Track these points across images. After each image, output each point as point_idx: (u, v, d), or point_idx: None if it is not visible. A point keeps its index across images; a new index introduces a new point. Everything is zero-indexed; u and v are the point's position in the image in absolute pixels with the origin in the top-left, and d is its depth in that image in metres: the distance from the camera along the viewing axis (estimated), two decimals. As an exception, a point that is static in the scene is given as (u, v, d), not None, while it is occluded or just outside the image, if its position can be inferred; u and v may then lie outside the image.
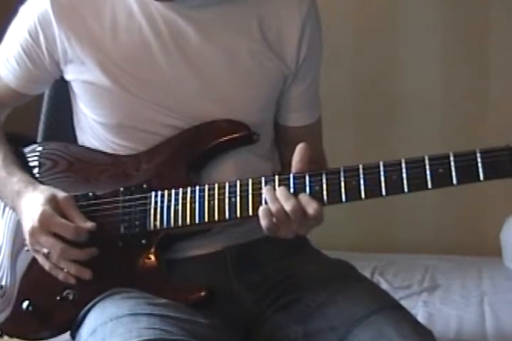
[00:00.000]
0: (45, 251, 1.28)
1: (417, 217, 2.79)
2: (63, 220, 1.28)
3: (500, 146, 1.14)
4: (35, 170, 1.42)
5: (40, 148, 1.46)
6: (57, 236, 1.27)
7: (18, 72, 1.41)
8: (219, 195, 1.26)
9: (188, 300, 1.27)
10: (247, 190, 1.24)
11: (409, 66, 2.76)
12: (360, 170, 1.19)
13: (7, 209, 1.43)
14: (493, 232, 2.51)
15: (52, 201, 1.30)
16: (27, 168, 1.41)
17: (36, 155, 1.44)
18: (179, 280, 1.31)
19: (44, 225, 1.27)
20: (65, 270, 1.29)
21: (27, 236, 1.30)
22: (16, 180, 1.36)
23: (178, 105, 1.34)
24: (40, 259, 1.31)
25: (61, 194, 1.32)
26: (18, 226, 1.39)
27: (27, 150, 1.46)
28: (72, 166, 1.40)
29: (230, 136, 1.33)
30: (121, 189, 1.34)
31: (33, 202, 1.31)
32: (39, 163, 1.43)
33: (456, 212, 2.77)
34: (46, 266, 1.30)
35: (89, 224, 1.29)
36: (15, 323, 1.37)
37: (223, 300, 1.31)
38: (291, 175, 1.22)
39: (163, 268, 1.31)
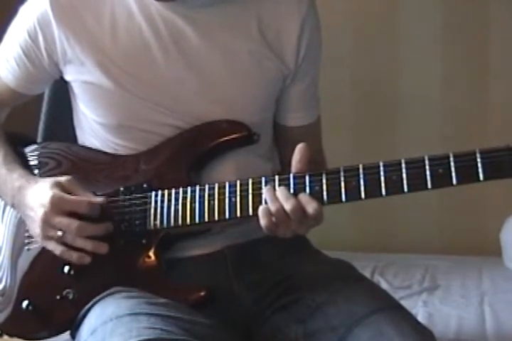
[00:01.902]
0: (60, 233, 1.28)
1: (417, 217, 2.79)
2: (75, 197, 1.29)
3: (500, 146, 1.14)
4: (37, 170, 1.42)
5: (42, 148, 1.46)
6: (71, 215, 1.28)
7: (18, 72, 1.41)
8: (219, 194, 1.26)
9: (188, 300, 1.27)
10: (247, 190, 1.24)
11: (409, 66, 2.77)
12: (360, 170, 1.19)
13: (7, 210, 1.43)
14: (493, 232, 2.52)
15: (58, 185, 1.30)
16: (28, 167, 1.42)
17: (38, 155, 1.45)
18: (179, 280, 1.31)
19: (57, 206, 1.27)
20: (82, 247, 1.28)
21: (39, 224, 1.29)
22: (17, 176, 1.36)
23: (177, 105, 1.34)
24: (52, 246, 1.30)
25: (63, 177, 1.32)
26: (18, 227, 1.39)
27: (28, 150, 1.46)
28: (74, 166, 1.41)
29: (230, 137, 1.33)
30: (122, 189, 1.34)
31: (39, 191, 1.31)
32: (41, 162, 1.43)
33: (456, 212, 2.77)
34: (58, 250, 1.30)
35: (100, 199, 1.30)
36: (15, 323, 1.37)
37: (223, 300, 1.32)
38: (291, 175, 1.22)
39: (163, 268, 1.31)
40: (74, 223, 1.27)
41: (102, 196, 1.33)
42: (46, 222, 1.29)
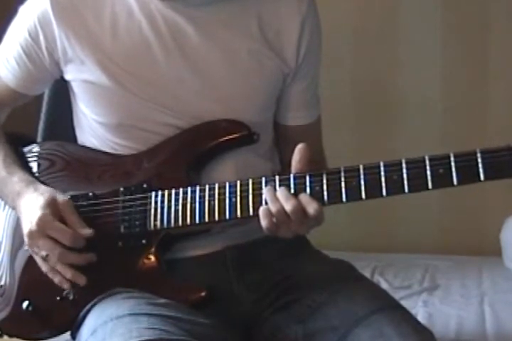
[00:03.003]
0: (44, 253, 1.28)
1: (417, 217, 2.78)
2: (61, 226, 1.28)
3: (500, 146, 1.14)
4: (34, 170, 1.42)
5: (37, 148, 1.46)
6: (55, 239, 1.27)
7: (18, 72, 1.40)
8: (219, 195, 1.26)
9: (188, 300, 1.27)
10: (248, 190, 1.24)
11: (409, 66, 2.76)
12: (361, 170, 1.19)
13: (7, 206, 1.43)
14: (493, 232, 2.51)
15: (52, 205, 1.29)
16: (27, 168, 1.41)
17: (34, 155, 1.44)
18: (179, 280, 1.31)
19: (42, 229, 1.27)
20: (62, 273, 1.29)
21: (26, 238, 1.30)
22: (17, 179, 1.36)
23: (178, 104, 1.34)
24: (39, 261, 1.31)
25: (61, 197, 1.32)
26: (18, 223, 1.39)
27: (26, 150, 1.46)
28: (70, 166, 1.40)
29: (230, 136, 1.33)
30: (121, 189, 1.34)
31: (32, 204, 1.30)
32: (39, 162, 1.43)
33: (456, 212, 2.77)
34: (44, 268, 1.30)
35: (87, 231, 1.29)
36: (14, 323, 1.37)
37: (223, 300, 1.31)
38: (292, 175, 1.22)
39: (163, 268, 1.31)
40: (56, 249, 1.27)
41: (101, 197, 1.34)
42: (31, 239, 1.29)
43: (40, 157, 1.44)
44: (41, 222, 1.27)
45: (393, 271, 2.40)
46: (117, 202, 1.33)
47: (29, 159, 1.44)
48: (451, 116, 2.75)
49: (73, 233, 1.28)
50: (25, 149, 1.46)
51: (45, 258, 1.29)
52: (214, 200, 1.26)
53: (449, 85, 2.75)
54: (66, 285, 1.30)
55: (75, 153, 1.41)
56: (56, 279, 1.30)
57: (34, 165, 1.43)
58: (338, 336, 1.24)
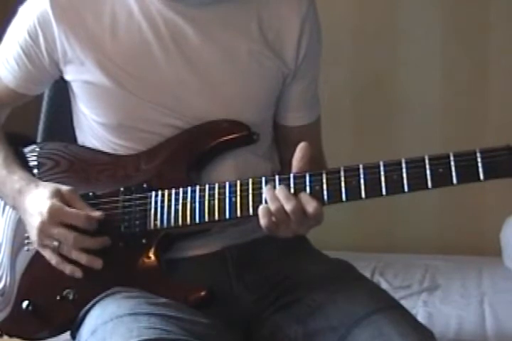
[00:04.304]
0: (56, 244, 1.28)
1: (416, 217, 2.79)
2: (73, 210, 1.29)
3: (500, 146, 1.14)
4: (36, 170, 1.42)
5: (40, 148, 1.46)
6: (68, 227, 1.28)
7: (18, 72, 1.41)
8: (219, 194, 1.26)
9: (188, 299, 1.27)
10: (248, 190, 1.24)
11: (409, 66, 2.77)
12: (361, 170, 1.19)
13: (7, 208, 1.43)
14: (493, 232, 2.52)
15: (58, 194, 1.30)
16: (28, 168, 1.42)
17: (36, 155, 1.44)
18: (179, 280, 1.31)
19: (55, 217, 1.27)
20: (76, 260, 1.29)
21: (35, 232, 1.29)
22: (17, 178, 1.36)
23: (177, 105, 1.34)
24: (48, 254, 1.31)
25: (64, 187, 1.32)
26: (17, 225, 1.39)
27: (27, 150, 1.46)
28: (73, 166, 1.41)
29: (230, 136, 1.33)
30: (122, 189, 1.34)
31: (38, 198, 1.31)
32: (39, 163, 1.43)
33: (456, 212, 2.77)
34: (53, 260, 1.30)
35: (98, 213, 1.30)
36: (14, 323, 1.37)
37: (223, 300, 1.31)
38: (292, 175, 1.22)
39: (163, 268, 1.31)
40: (71, 234, 1.28)
41: (101, 197, 1.34)
42: (42, 231, 1.29)
43: (43, 157, 1.44)
44: (52, 210, 1.28)
45: (393, 271, 2.40)
46: (117, 202, 1.34)
47: (31, 159, 1.44)
48: (451, 116, 2.75)
49: (87, 214, 1.29)
50: (27, 149, 1.46)
51: (56, 249, 1.29)
52: (214, 200, 1.26)
53: (448, 85, 2.75)
54: (78, 274, 1.30)
55: (77, 153, 1.42)
56: (68, 269, 1.30)
57: (37, 165, 1.43)
58: (338, 336, 1.24)
